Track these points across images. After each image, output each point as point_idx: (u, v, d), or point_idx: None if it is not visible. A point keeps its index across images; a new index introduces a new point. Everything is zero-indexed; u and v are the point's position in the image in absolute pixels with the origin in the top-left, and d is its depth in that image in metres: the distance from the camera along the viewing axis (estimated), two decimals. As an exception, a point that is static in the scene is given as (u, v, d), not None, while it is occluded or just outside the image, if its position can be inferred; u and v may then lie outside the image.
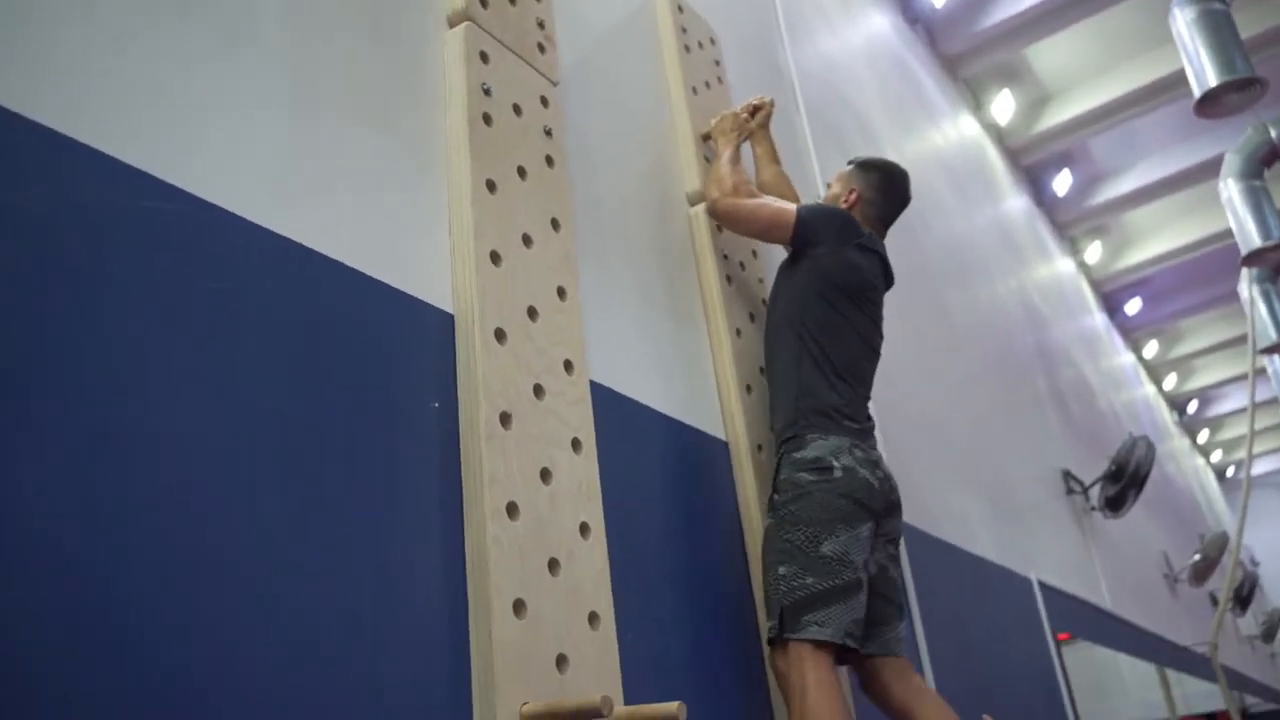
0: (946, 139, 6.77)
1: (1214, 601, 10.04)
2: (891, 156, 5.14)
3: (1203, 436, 15.54)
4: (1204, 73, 5.67)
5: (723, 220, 2.41)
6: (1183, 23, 5.82)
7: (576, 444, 1.68)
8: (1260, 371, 12.00)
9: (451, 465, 1.49)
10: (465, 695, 1.35)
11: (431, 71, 1.79)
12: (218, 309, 1.23)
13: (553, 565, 1.52)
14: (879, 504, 2.06)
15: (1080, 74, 7.84)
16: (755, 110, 2.70)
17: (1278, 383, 10.00)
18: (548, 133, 1.95)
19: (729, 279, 2.46)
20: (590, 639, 1.53)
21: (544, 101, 1.98)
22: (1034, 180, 8.86)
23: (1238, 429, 15.42)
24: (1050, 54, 7.62)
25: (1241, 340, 11.32)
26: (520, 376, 1.61)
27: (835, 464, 2.02)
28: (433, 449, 1.47)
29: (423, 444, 1.46)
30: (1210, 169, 8.17)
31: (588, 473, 1.68)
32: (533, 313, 1.70)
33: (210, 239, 1.26)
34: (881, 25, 6.14)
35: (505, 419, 1.54)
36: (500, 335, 1.60)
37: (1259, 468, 15.28)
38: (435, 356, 1.55)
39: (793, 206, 2.31)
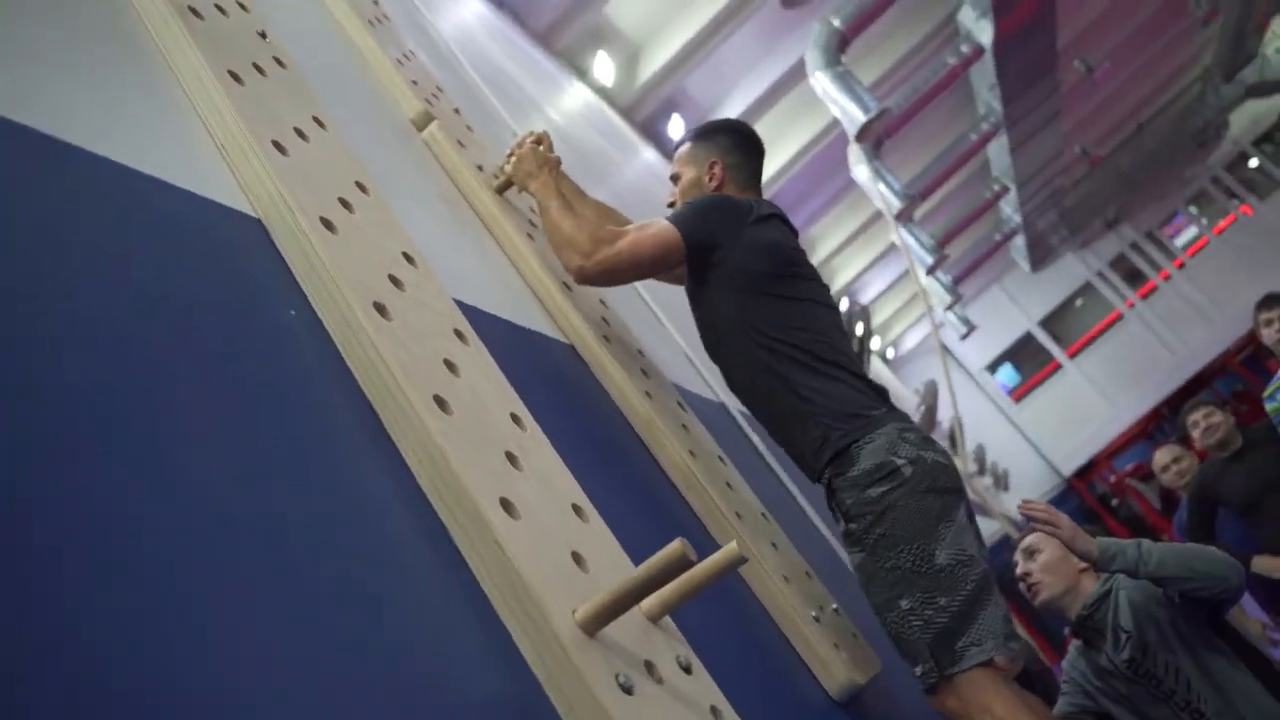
0: (572, 112, 6.78)
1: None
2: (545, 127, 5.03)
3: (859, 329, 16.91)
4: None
5: (604, 283, 1.99)
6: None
7: (461, 335, 1.35)
8: (890, 249, 13.23)
9: (349, 385, 1.13)
10: (493, 625, 1.01)
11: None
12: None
13: (513, 459, 1.20)
14: (959, 479, 1.78)
15: (659, 19, 8.17)
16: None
17: (909, 251, 10.98)
18: (263, 35, 1.60)
19: (497, 193, 2.18)
20: (588, 532, 1.22)
21: (243, 7, 1.62)
22: (651, 134, 9.16)
23: (885, 312, 16.92)
24: (627, 6, 7.87)
25: (868, 224, 12.39)
26: (371, 266, 1.27)
27: (899, 460, 1.71)
28: (315, 367, 1.11)
29: (303, 361, 1.10)
30: (797, 73, 8.80)
31: (487, 363, 1.36)
32: (346, 204, 1.35)
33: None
34: (473, 12, 6.02)
35: (381, 309, 1.20)
36: (329, 225, 1.25)
37: (915, 336, 16.86)
38: (262, 265, 1.18)
39: (663, 223, 1.90)
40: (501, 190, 2.16)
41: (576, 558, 1.14)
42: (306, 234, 1.20)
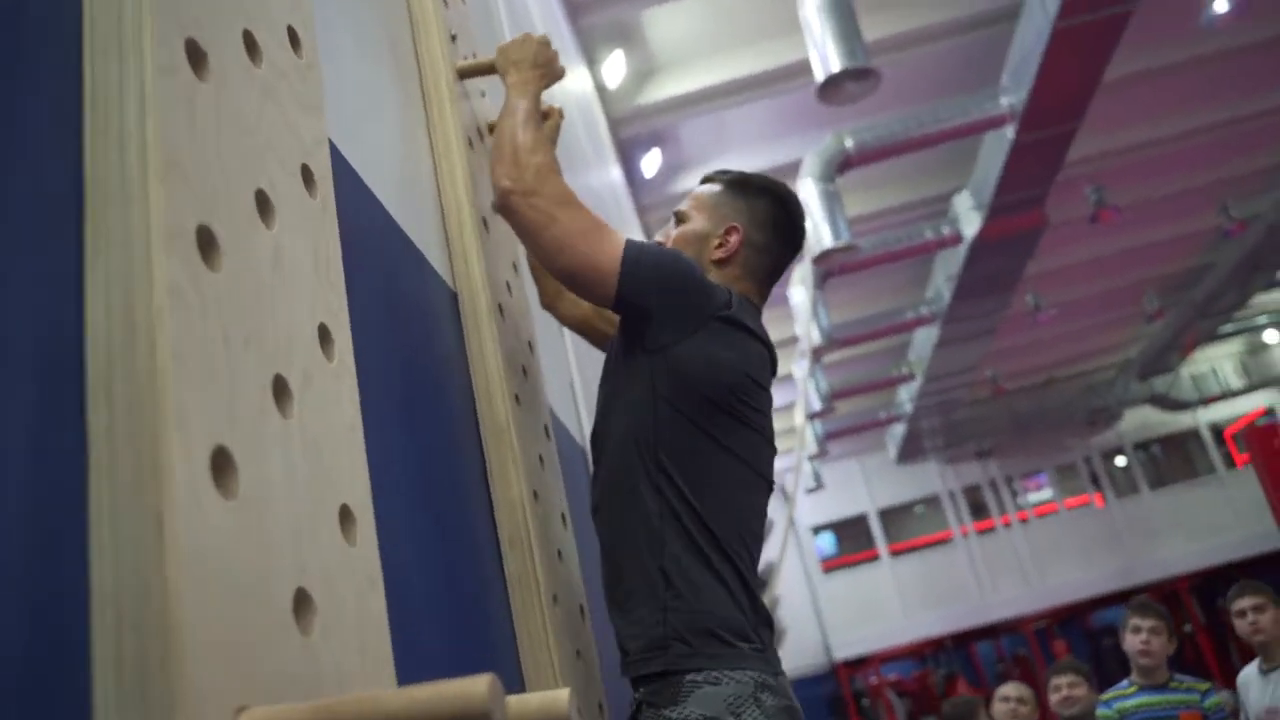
0: (566, 88, 6.31)
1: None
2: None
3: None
4: (829, 59, 5.73)
5: (515, 226, 1.44)
6: (811, 8, 5.84)
7: (309, 177, 0.84)
8: (785, 378, 13.05)
9: (66, 148, 0.61)
10: (71, 681, 0.50)
11: None
12: None
13: (280, 390, 0.69)
14: None
15: (692, 51, 7.79)
16: None
17: (804, 390, 10.78)
18: None
19: (459, 76, 1.68)
20: (347, 562, 0.72)
21: None
22: (625, 156, 8.73)
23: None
24: (667, 23, 7.46)
25: (776, 345, 12.17)
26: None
27: None
28: (26, 91, 0.59)
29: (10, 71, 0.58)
30: (788, 172, 8.52)
31: (327, 235, 0.85)
32: (240, -91, 0.84)
33: None
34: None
35: (196, 56, 0.69)
36: (187, -101, 0.74)
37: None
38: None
39: (619, 246, 1.37)
40: (466, 75, 1.67)
41: (302, 601, 0.64)
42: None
